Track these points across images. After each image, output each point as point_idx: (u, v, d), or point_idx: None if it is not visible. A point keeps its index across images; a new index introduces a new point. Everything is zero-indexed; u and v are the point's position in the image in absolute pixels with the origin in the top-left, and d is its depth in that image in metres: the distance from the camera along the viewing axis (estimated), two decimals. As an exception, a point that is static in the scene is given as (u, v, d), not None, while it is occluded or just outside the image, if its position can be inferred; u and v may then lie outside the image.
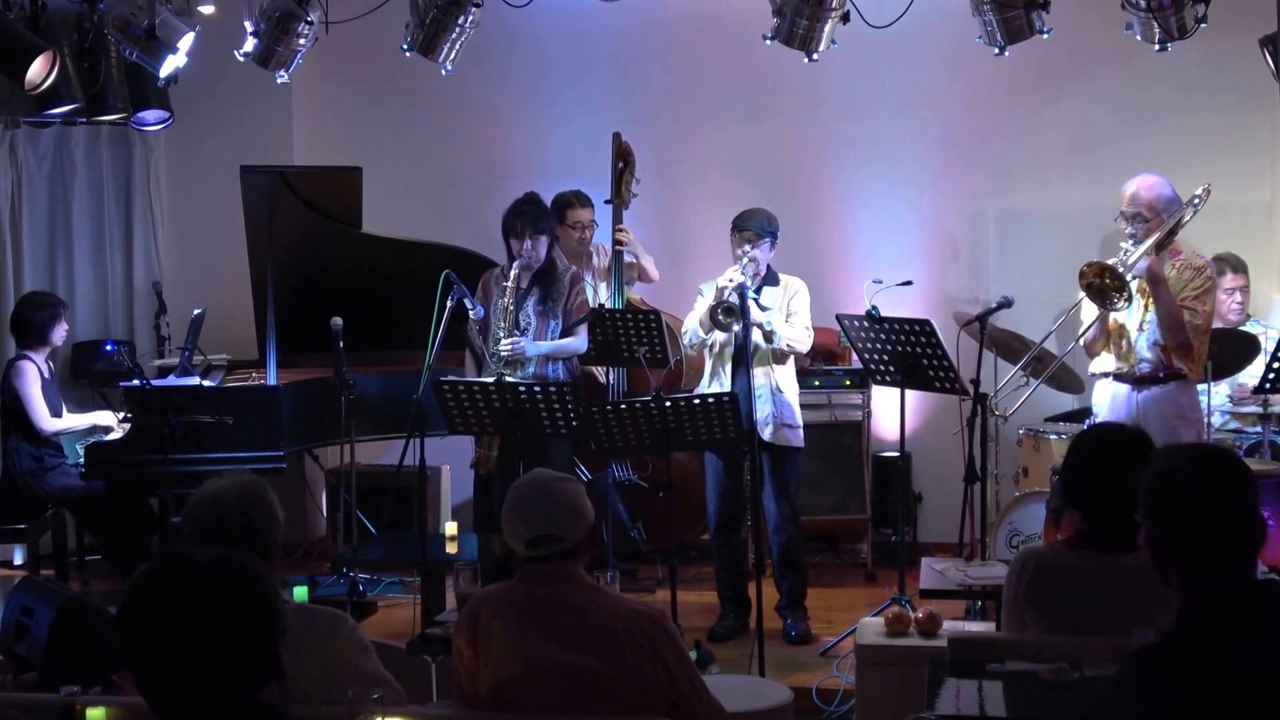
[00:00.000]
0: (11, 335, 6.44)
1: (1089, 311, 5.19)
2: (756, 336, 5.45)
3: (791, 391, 5.64)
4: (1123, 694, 2.12)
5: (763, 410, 5.52)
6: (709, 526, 5.73)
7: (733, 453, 5.52)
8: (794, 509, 5.65)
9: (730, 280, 5.33)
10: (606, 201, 6.47)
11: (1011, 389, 5.55)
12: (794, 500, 5.66)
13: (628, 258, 6.52)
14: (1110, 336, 5.20)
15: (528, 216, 5.54)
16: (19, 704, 3.06)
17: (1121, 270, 4.92)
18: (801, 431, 5.66)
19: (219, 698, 1.93)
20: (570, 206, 6.37)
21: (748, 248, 5.47)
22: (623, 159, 6.47)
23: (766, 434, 5.51)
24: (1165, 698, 2.06)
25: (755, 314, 5.41)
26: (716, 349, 5.59)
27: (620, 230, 6.45)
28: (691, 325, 5.65)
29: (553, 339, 5.59)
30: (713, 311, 5.38)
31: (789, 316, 5.59)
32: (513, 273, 5.53)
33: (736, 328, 5.31)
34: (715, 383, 5.55)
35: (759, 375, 5.51)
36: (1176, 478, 2.32)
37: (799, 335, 5.58)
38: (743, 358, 5.40)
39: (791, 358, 5.64)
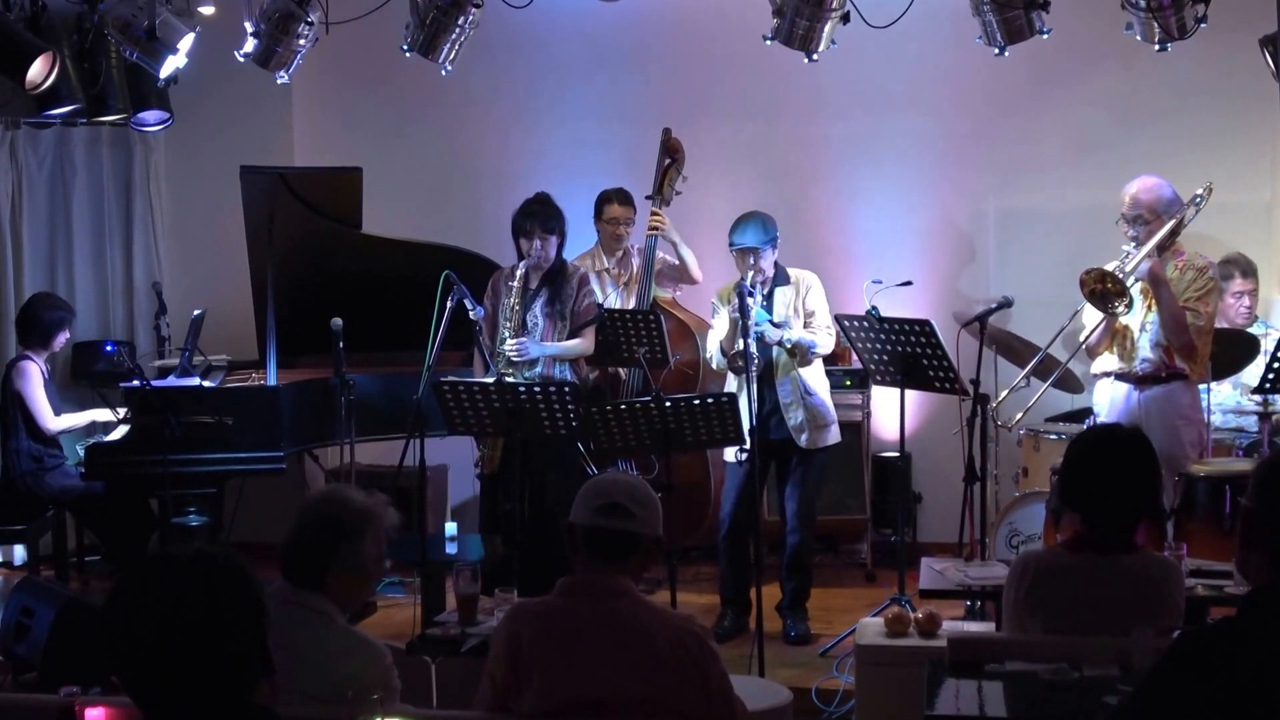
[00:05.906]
0: (15, 332, 6.46)
1: (1090, 316, 5.19)
2: (775, 336, 5.46)
3: (823, 389, 5.65)
4: (1169, 673, 2.08)
5: (795, 419, 5.52)
6: (720, 527, 5.69)
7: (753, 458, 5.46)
8: (811, 511, 5.66)
9: (736, 314, 5.26)
10: (647, 197, 6.42)
11: (1014, 393, 5.53)
12: (814, 501, 5.67)
13: (670, 258, 6.50)
14: (1114, 337, 5.20)
15: (538, 217, 5.54)
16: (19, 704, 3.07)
17: (1122, 275, 4.92)
18: (837, 427, 5.68)
19: (212, 698, 1.91)
20: (608, 203, 6.39)
21: (751, 259, 5.44)
22: (670, 155, 6.39)
23: (802, 441, 5.54)
24: (1214, 680, 2.02)
25: (772, 333, 5.44)
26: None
27: (655, 216, 6.36)
28: (713, 348, 5.65)
29: (560, 340, 5.60)
30: (732, 359, 5.39)
31: (807, 318, 5.58)
32: (519, 273, 5.54)
33: (754, 369, 5.27)
34: (741, 395, 5.40)
35: (784, 385, 5.53)
36: None
37: (821, 340, 5.57)
38: (768, 374, 5.45)
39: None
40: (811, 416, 5.57)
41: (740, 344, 5.23)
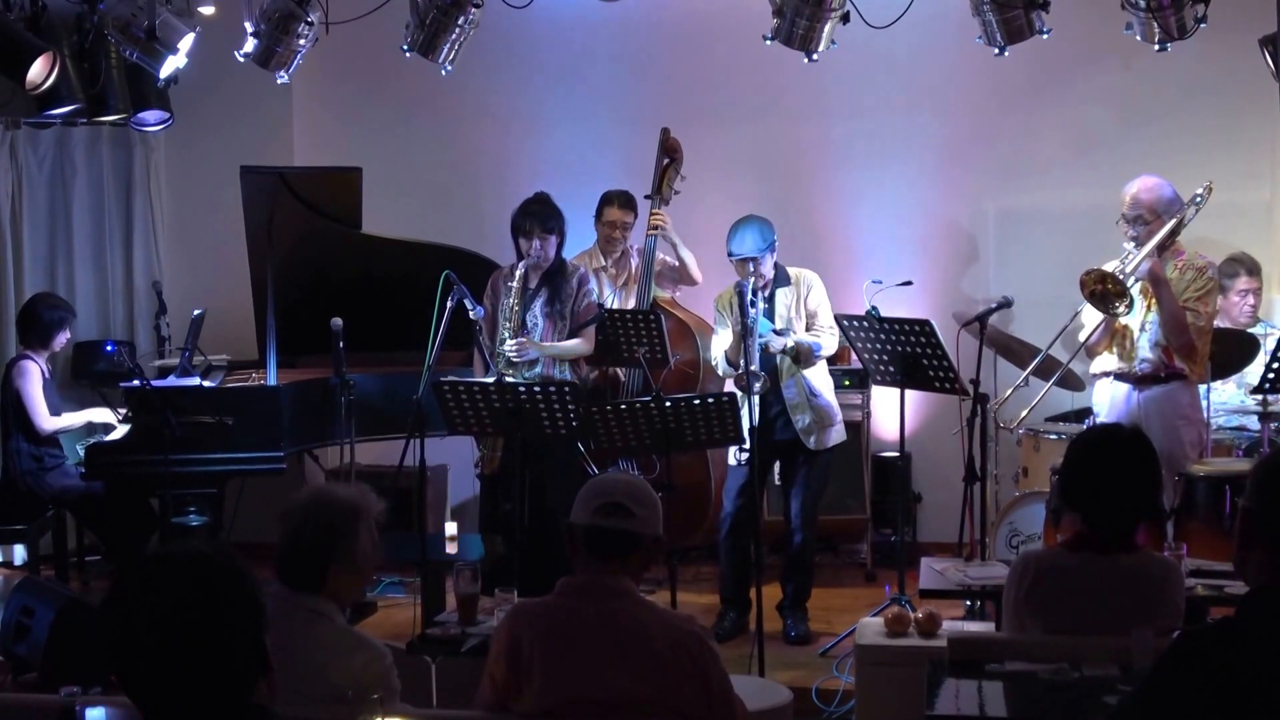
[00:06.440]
0: (15, 331, 6.46)
1: (1090, 316, 5.19)
2: (779, 345, 5.47)
3: (827, 390, 5.65)
4: (1169, 673, 2.08)
5: (802, 421, 5.53)
6: (721, 526, 5.68)
7: (754, 459, 5.45)
8: (815, 510, 5.66)
9: (739, 325, 5.27)
10: (646, 197, 6.42)
11: (1014, 394, 5.53)
12: (818, 501, 5.68)
13: (670, 259, 6.49)
14: (1114, 337, 5.21)
15: (537, 216, 5.53)
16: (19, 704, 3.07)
17: (1122, 276, 4.92)
18: (842, 425, 5.69)
19: (210, 698, 1.91)
20: (609, 204, 6.38)
21: (751, 267, 5.43)
22: (669, 155, 6.39)
23: (810, 443, 5.55)
24: (1214, 680, 2.01)
25: (776, 342, 5.44)
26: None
27: (656, 215, 6.35)
28: (718, 355, 5.64)
29: (560, 339, 5.59)
30: (737, 380, 5.38)
31: (810, 319, 5.57)
32: (519, 273, 5.54)
33: (757, 386, 5.25)
34: (745, 404, 5.34)
35: (790, 388, 5.53)
36: None
37: (825, 342, 5.56)
38: (773, 378, 5.44)
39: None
40: (819, 418, 5.57)
41: (744, 361, 5.22)
